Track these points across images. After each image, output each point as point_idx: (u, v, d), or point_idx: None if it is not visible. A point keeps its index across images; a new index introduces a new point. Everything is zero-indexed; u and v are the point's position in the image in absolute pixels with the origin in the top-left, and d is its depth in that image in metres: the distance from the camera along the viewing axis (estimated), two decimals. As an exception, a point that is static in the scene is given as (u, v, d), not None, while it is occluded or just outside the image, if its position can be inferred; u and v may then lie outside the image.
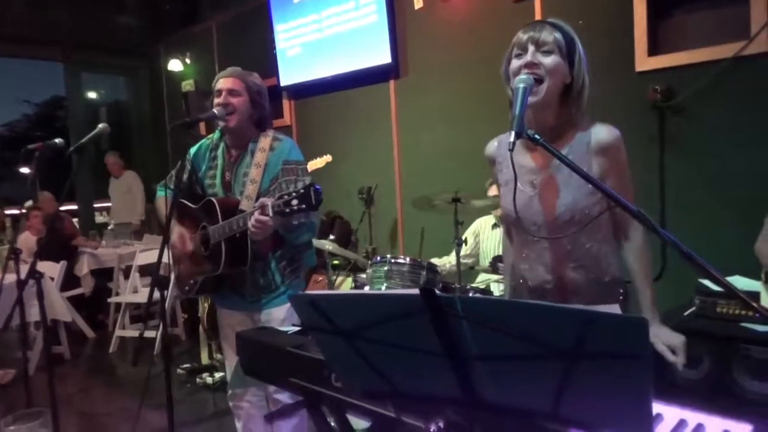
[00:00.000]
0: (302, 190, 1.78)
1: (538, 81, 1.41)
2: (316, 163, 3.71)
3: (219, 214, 2.05)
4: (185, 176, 2.32)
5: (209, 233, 2.09)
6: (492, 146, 1.68)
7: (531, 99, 1.39)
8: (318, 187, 1.78)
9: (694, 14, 3.12)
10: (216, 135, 2.28)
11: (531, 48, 1.43)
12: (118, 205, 6.65)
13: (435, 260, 3.44)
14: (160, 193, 2.38)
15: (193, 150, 2.32)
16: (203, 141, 2.33)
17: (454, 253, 3.46)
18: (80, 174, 7.19)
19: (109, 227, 6.67)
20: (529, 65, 1.42)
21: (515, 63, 1.45)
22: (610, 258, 1.55)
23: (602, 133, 1.48)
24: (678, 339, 1.46)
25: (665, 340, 1.46)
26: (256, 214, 1.85)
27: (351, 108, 4.95)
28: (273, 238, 2.11)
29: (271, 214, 1.81)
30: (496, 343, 0.85)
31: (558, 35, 1.43)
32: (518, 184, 1.48)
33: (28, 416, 1.06)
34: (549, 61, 1.42)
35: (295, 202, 1.77)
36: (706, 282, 2.47)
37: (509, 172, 1.57)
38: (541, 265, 1.56)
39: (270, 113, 2.27)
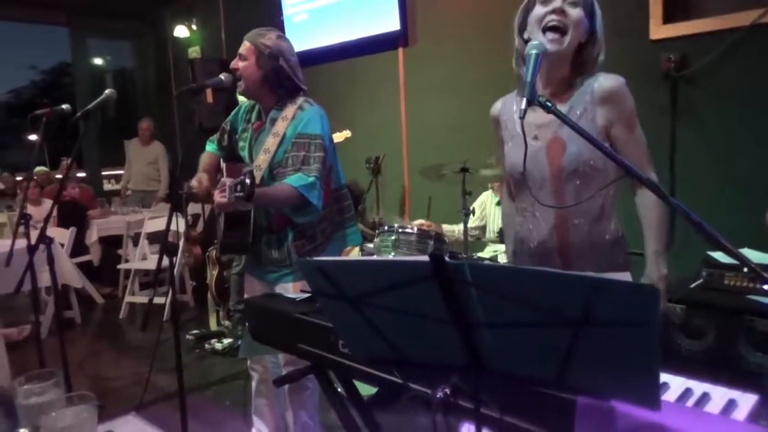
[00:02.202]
0: (243, 177, 1.72)
1: (562, 32, 1.42)
2: (334, 137, 3.64)
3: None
4: (227, 136, 2.28)
5: None
6: (496, 107, 1.70)
7: (554, 48, 1.42)
8: (250, 178, 1.72)
9: (712, -20, 3.04)
10: None
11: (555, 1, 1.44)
12: (140, 171, 6.56)
13: (444, 226, 3.45)
14: (209, 148, 2.35)
15: (234, 111, 2.27)
16: (245, 103, 2.24)
17: (462, 224, 3.46)
18: (87, 141, 7.20)
19: (127, 192, 6.68)
20: (557, 11, 1.42)
21: (539, 9, 1.46)
22: (612, 216, 1.56)
23: (606, 81, 1.49)
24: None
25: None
26: (216, 192, 1.81)
27: (359, 76, 4.90)
28: (283, 214, 2.06)
29: (227, 194, 1.74)
30: (504, 310, 0.86)
31: None
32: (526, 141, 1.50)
33: (40, 377, 1.08)
34: (575, 12, 1.43)
35: (239, 188, 1.71)
36: (714, 254, 2.46)
37: (515, 129, 1.57)
38: (545, 221, 1.56)
39: (293, 77, 2.07)
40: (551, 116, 1.50)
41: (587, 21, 1.46)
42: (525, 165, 1.47)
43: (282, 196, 1.95)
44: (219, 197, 1.78)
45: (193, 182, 2.16)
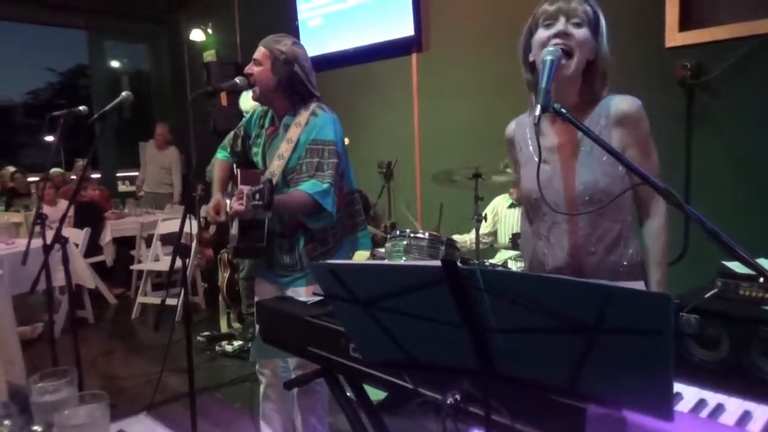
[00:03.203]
0: (262, 185, 1.73)
1: (568, 54, 1.37)
2: None
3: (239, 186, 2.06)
4: (240, 141, 2.29)
5: None
6: (510, 128, 1.66)
7: (560, 73, 1.36)
8: (270, 185, 1.73)
9: (729, -12, 3.02)
10: None
11: (562, 18, 1.39)
12: (154, 174, 6.64)
13: (456, 236, 3.44)
14: (220, 155, 2.37)
15: (247, 116, 2.29)
16: (258, 108, 2.26)
17: (473, 231, 3.46)
18: (103, 142, 7.28)
19: (140, 194, 6.75)
20: (560, 35, 1.37)
21: (543, 33, 1.41)
22: (630, 242, 1.51)
23: (622, 103, 1.44)
24: None
25: None
26: (233, 200, 1.82)
27: (372, 81, 4.91)
28: (296, 218, 2.07)
29: (244, 202, 1.76)
30: (516, 316, 0.85)
31: (587, 7, 1.40)
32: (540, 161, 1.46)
33: (54, 375, 1.09)
34: (580, 33, 1.38)
35: (257, 196, 1.72)
36: (730, 264, 2.44)
37: (529, 151, 1.55)
38: (560, 248, 1.52)
39: (306, 83, 2.08)
40: (567, 138, 1.49)
41: (593, 38, 1.40)
42: (538, 178, 1.43)
43: (298, 204, 1.97)
44: (237, 205, 1.79)
45: (210, 211, 2.17)
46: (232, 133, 2.35)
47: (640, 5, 3.22)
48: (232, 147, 2.34)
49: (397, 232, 2.55)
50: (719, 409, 0.99)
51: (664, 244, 1.50)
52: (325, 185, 1.97)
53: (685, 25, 3.12)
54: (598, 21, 1.42)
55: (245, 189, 1.77)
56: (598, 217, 1.45)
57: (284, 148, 2.04)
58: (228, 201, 2.20)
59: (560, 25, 1.38)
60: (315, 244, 2.10)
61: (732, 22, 2.95)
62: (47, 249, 2.38)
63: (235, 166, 2.38)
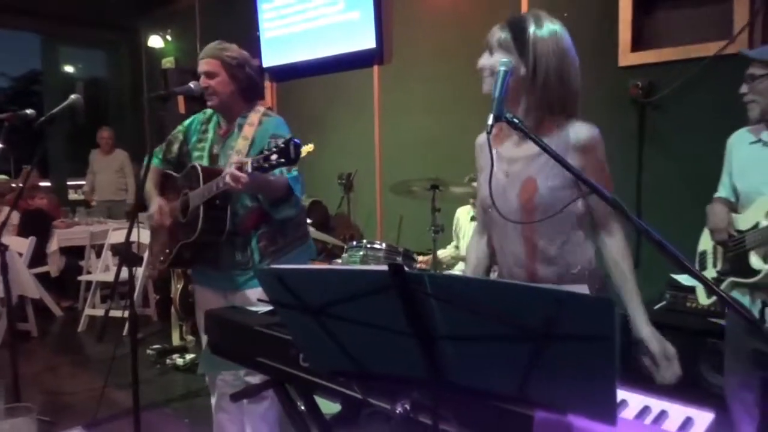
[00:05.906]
0: (282, 144, 1.75)
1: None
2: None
3: (201, 179, 2.01)
4: (176, 147, 2.29)
5: (189, 199, 2.06)
6: (482, 136, 1.66)
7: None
8: (297, 141, 1.75)
9: (679, 11, 3.15)
10: (210, 109, 2.24)
11: (486, 53, 1.49)
12: (105, 182, 6.43)
13: (421, 258, 3.43)
14: (154, 162, 2.32)
15: (186, 122, 2.30)
16: (198, 114, 2.29)
17: (449, 247, 3.48)
18: (54, 149, 7.04)
19: (93, 203, 6.52)
20: (479, 70, 1.49)
21: None
22: (580, 251, 1.52)
23: (581, 131, 1.46)
24: (672, 348, 1.44)
25: (660, 346, 1.45)
26: (233, 168, 1.81)
27: (333, 92, 4.91)
28: (257, 213, 2.08)
29: (249, 170, 1.78)
30: (464, 322, 0.84)
31: (502, 34, 1.45)
32: (494, 170, 1.47)
33: (-18, 389, 1.02)
34: (484, 60, 1.48)
35: (274, 156, 1.74)
36: (678, 277, 2.51)
37: (486, 157, 1.56)
38: (513, 257, 1.54)
39: (259, 82, 2.18)
40: (523, 152, 1.51)
41: (514, 58, 1.42)
42: (491, 191, 1.44)
43: (277, 185, 2.00)
44: (238, 173, 1.78)
45: (153, 210, 2.17)
46: (165, 141, 2.33)
47: (594, 26, 3.32)
48: (164, 154, 2.31)
49: (354, 243, 2.54)
50: (663, 415, 1.00)
51: (631, 260, 1.51)
52: (294, 173, 2.03)
53: (637, 45, 3.23)
54: (521, 39, 1.42)
55: (243, 159, 1.81)
56: (551, 227, 1.47)
57: (242, 144, 2.09)
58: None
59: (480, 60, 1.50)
60: (266, 241, 2.13)
61: (681, 44, 3.08)
62: (-15, 257, 2.27)
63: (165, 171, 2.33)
